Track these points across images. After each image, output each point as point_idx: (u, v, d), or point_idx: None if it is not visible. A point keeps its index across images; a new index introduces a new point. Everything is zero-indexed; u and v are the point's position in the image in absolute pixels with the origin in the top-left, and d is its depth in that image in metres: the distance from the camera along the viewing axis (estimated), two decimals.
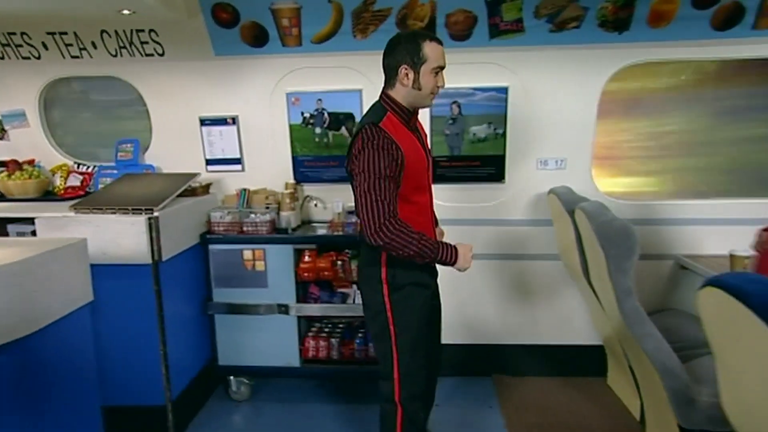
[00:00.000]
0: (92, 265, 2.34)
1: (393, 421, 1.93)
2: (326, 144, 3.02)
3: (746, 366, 1.17)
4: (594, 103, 2.82)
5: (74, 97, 3.38)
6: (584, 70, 2.78)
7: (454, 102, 2.87)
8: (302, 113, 2.97)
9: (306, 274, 2.88)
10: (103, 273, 2.41)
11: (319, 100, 2.94)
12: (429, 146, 2.04)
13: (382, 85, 1.89)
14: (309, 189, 3.14)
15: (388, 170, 1.71)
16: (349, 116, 2.96)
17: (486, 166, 2.97)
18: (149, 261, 2.42)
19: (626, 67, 2.78)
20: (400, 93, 1.83)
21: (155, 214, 2.43)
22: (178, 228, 2.64)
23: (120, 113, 3.37)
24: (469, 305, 3.09)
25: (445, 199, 3.05)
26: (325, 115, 2.96)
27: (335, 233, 2.89)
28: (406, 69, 1.78)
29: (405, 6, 2.65)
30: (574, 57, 2.76)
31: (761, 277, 1.10)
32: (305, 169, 3.08)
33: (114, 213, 2.42)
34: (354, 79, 2.90)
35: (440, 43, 1.82)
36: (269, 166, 3.08)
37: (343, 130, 2.98)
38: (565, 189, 2.72)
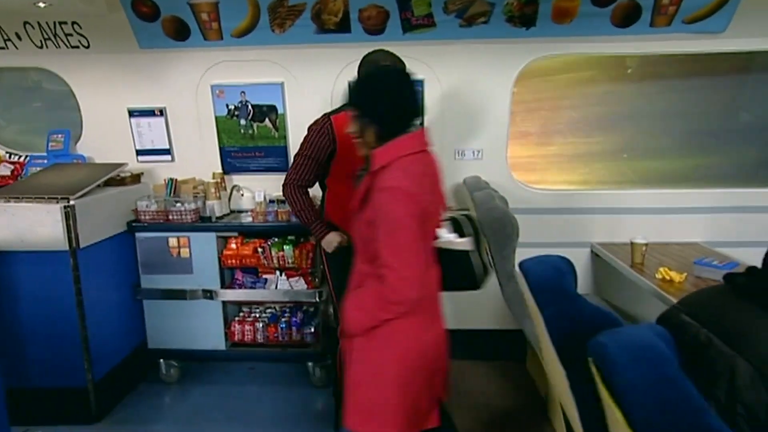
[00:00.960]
0: (11, 252, 2.43)
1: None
2: (252, 135, 3.09)
3: None
4: (507, 95, 2.91)
5: (26, 86, 3.40)
6: (496, 63, 2.87)
7: None
8: (227, 105, 3.03)
9: (230, 261, 2.97)
10: (22, 259, 2.50)
11: (243, 92, 3.01)
12: None
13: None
14: (237, 179, 3.21)
15: (311, 151, 2.19)
16: (272, 108, 3.03)
17: None
18: (66, 248, 2.49)
19: (535, 60, 2.86)
20: None
21: (71, 202, 2.49)
22: (100, 216, 2.71)
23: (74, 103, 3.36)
24: None
25: None
26: (249, 107, 3.03)
27: (257, 222, 2.95)
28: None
29: (319, 1, 2.72)
30: (486, 51, 2.84)
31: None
32: (233, 160, 3.15)
33: (30, 201, 2.48)
34: (276, 72, 2.97)
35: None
36: (198, 156, 3.15)
37: (267, 121, 3.05)
38: (474, 179, 2.82)
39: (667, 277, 2.44)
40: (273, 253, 2.93)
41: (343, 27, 2.79)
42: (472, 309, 3.09)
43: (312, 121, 2.22)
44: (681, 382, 0.91)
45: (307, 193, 2.29)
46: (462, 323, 3.14)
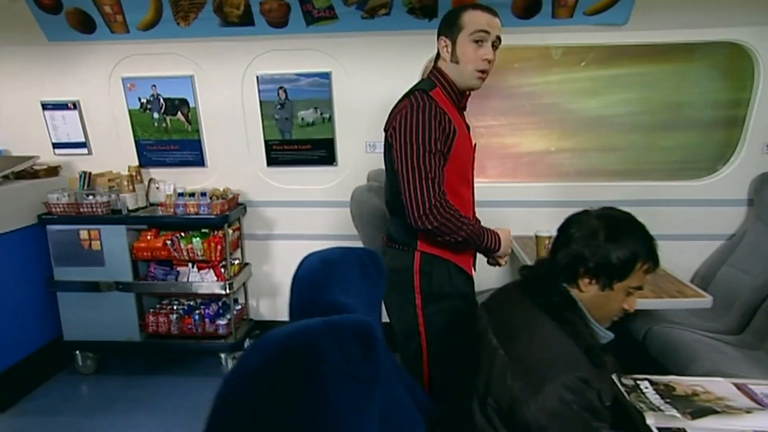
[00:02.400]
0: None
1: None
2: (165, 129, 3.08)
3: None
4: None
5: None
6: (401, 55, 2.84)
7: (281, 87, 2.92)
8: (139, 99, 3.01)
9: (143, 254, 2.96)
10: None
11: (154, 85, 2.99)
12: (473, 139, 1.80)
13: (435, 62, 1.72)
14: (155, 172, 3.19)
15: (438, 143, 1.50)
16: (184, 102, 3.01)
17: (317, 150, 3.03)
18: None
19: None
20: (445, 67, 1.63)
21: None
22: (3, 208, 2.70)
23: None
24: None
25: (283, 181, 3.13)
26: (161, 100, 3.01)
27: (166, 214, 2.94)
28: (444, 41, 1.61)
29: None
30: (390, 43, 2.81)
31: None
32: (149, 153, 3.14)
33: None
34: (185, 65, 2.95)
35: (490, 11, 1.58)
36: (115, 149, 3.14)
37: (180, 115, 3.03)
38: (377, 171, 2.79)
39: None
40: (182, 245, 2.93)
41: (246, 20, 2.76)
42: None
43: (403, 110, 1.55)
44: None
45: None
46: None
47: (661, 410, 1.30)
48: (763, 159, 2.87)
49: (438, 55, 1.67)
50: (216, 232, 2.99)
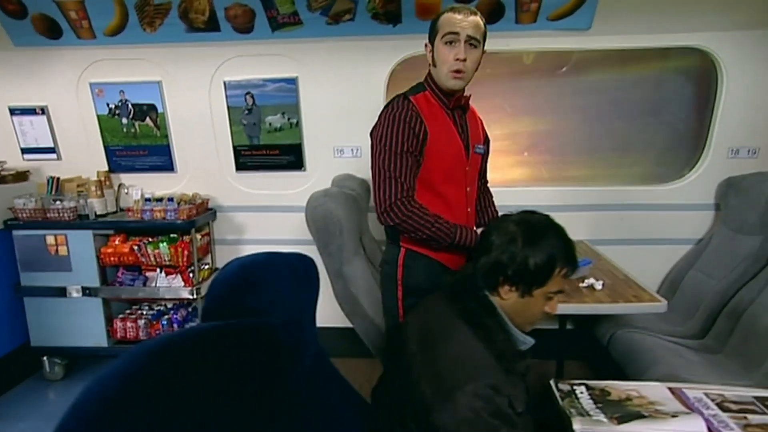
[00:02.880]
0: None
1: None
2: (134, 134, 3.07)
3: None
4: (381, 93, 2.88)
5: None
6: (367, 61, 2.84)
7: (248, 93, 2.92)
8: (108, 104, 3.01)
9: (110, 259, 2.96)
10: None
11: (122, 91, 2.99)
12: (482, 137, 1.88)
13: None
14: (126, 177, 3.19)
15: (406, 144, 1.56)
16: (152, 107, 3.01)
17: (285, 155, 3.04)
18: None
19: (407, 58, 2.83)
20: (432, 71, 1.70)
21: None
22: None
23: None
24: None
25: (252, 186, 3.13)
26: (129, 106, 3.01)
27: (133, 219, 2.93)
28: (428, 45, 1.68)
29: (183, 0, 2.68)
30: (356, 48, 2.82)
31: None
32: (118, 159, 3.14)
33: None
34: (152, 71, 2.95)
35: (463, 11, 1.59)
36: (84, 155, 3.14)
37: (148, 120, 3.03)
38: (342, 177, 2.79)
39: None
40: (149, 250, 2.92)
41: (212, 26, 2.76)
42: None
43: (385, 111, 1.64)
44: None
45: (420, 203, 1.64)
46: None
47: (589, 415, 1.30)
48: (728, 163, 2.88)
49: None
50: (184, 238, 2.98)
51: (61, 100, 3.05)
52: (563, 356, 2.67)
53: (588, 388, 1.45)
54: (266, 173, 3.09)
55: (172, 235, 3.03)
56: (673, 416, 1.28)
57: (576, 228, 3.04)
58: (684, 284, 2.90)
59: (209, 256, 3.24)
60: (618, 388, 1.45)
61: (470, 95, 1.78)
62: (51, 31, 2.84)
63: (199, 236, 3.07)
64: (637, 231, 3.05)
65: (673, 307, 2.91)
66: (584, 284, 2.25)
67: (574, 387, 1.46)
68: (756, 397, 1.39)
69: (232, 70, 2.92)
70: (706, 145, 2.93)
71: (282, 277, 1.26)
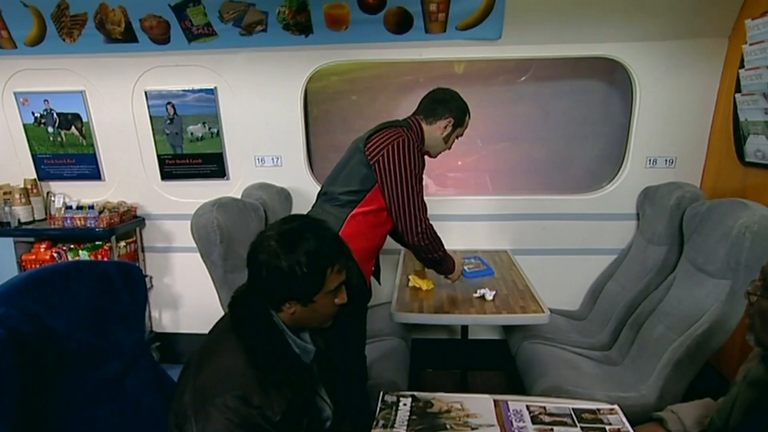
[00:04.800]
0: None
1: None
2: (61, 143, 3.10)
3: None
4: (297, 103, 2.89)
5: None
6: (282, 71, 2.87)
7: (169, 102, 2.95)
8: (33, 113, 3.05)
9: (31, 266, 2.98)
10: None
11: (46, 100, 3.02)
12: None
13: (422, 115, 2.02)
14: (55, 185, 3.22)
15: (421, 173, 1.86)
16: (77, 116, 3.05)
17: (208, 164, 3.06)
18: None
19: (321, 67, 2.85)
20: (431, 132, 2.00)
21: None
22: None
23: None
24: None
25: (177, 195, 3.15)
26: (55, 115, 3.04)
27: (54, 227, 2.96)
28: (449, 122, 1.99)
29: (98, 11, 2.72)
30: (271, 59, 2.85)
31: None
32: (47, 167, 3.17)
33: None
34: (75, 80, 2.99)
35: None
36: (12, 163, 3.18)
37: (74, 129, 3.06)
38: (258, 185, 2.81)
39: (416, 285, 2.41)
40: (69, 258, 2.94)
41: (129, 37, 2.80)
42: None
43: (400, 142, 1.80)
44: None
45: None
46: None
47: (393, 428, 1.29)
48: (646, 173, 2.87)
49: (424, 112, 2.01)
50: (106, 245, 3.00)
51: None
52: (467, 366, 2.65)
53: (414, 399, 1.45)
54: (191, 182, 3.12)
55: (97, 243, 3.05)
56: (473, 429, 1.26)
57: (499, 238, 3.04)
58: (602, 295, 2.89)
59: (137, 263, 3.25)
60: (443, 400, 1.44)
61: None
62: None
63: (124, 243, 3.09)
64: (561, 241, 3.04)
65: (592, 318, 2.90)
66: (477, 294, 2.23)
67: (401, 398, 1.45)
68: (574, 410, 1.37)
69: (152, 81, 2.95)
70: (625, 155, 2.91)
71: (81, 286, 1.27)
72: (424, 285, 2.38)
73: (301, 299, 1.16)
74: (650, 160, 2.86)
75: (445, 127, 2.00)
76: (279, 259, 1.10)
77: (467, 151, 3.29)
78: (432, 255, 1.94)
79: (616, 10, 2.58)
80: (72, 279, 1.26)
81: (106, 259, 2.95)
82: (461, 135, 2.08)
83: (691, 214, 2.35)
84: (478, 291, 2.25)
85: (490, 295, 2.22)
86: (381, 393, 1.47)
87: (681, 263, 2.39)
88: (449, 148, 2.09)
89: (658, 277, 2.49)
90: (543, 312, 2.07)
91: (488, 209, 3.02)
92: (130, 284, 1.39)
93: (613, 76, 2.98)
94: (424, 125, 2.00)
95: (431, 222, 1.92)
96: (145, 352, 1.46)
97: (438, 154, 2.08)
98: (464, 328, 2.46)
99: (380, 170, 1.82)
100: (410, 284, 2.43)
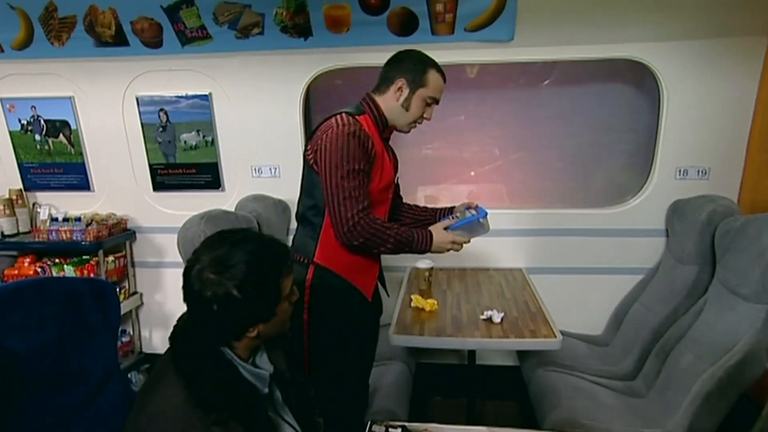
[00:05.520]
0: None
1: None
2: (48, 151, 3.15)
3: None
4: (297, 109, 2.90)
5: None
6: (282, 76, 2.87)
7: (161, 109, 2.98)
8: (20, 120, 3.10)
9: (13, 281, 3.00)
10: None
11: (33, 106, 3.07)
12: (398, 170, 1.98)
13: (373, 90, 1.84)
14: (42, 196, 3.26)
15: (361, 162, 1.64)
16: (65, 123, 3.08)
17: (202, 174, 3.07)
18: None
19: (322, 71, 2.85)
20: (387, 103, 1.80)
21: None
22: None
23: None
24: None
25: (170, 207, 3.16)
26: (42, 122, 3.09)
27: (38, 240, 2.99)
28: (402, 83, 1.77)
29: (88, 13, 2.77)
30: (268, 63, 2.85)
31: None
32: (33, 176, 3.21)
33: None
34: (64, 85, 3.02)
35: (444, 78, 1.81)
36: None
37: (62, 137, 3.11)
38: (253, 197, 2.81)
39: (419, 305, 2.38)
40: (54, 273, 2.96)
41: (120, 40, 2.83)
42: None
43: (329, 130, 1.66)
44: None
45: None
46: None
47: None
48: (676, 185, 2.79)
49: (378, 87, 1.82)
50: (93, 260, 3.02)
51: None
52: (477, 395, 2.59)
53: (405, 430, 1.41)
54: (184, 193, 3.13)
55: (84, 257, 3.07)
56: None
57: (513, 255, 2.99)
58: (627, 319, 2.80)
59: (127, 279, 3.27)
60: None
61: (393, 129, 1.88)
62: None
63: (112, 258, 3.11)
64: (582, 259, 2.97)
65: (615, 344, 2.82)
66: (483, 317, 2.19)
67: (390, 429, 1.42)
68: None
69: (144, 86, 2.98)
70: (652, 166, 2.85)
71: (46, 305, 1.27)
72: (427, 306, 2.34)
73: (263, 317, 1.13)
74: (681, 170, 2.79)
75: (399, 90, 1.76)
76: (225, 287, 1.04)
77: (481, 161, 3.27)
78: (379, 249, 1.71)
79: (639, 7, 2.53)
80: (35, 297, 1.26)
81: (92, 274, 2.96)
82: (435, 99, 1.80)
83: (723, 231, 2.28)
84: (485, 313, 2.20)
85: (497, 318, 2.16)
86: (369, 423, 1.44)
87: (713, 285, 2.31)
88: (426, 118, 1.83)
89: (688, 300, 2.41)
90: (555, 337, 2.01)
91: (502, 224, 2.97)
92: (102, 303, 1.38)
93: (643, 80, 2.93)
94: (378, 99, 1.80)
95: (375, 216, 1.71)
96: (115, 375, 1.45)
97: (409, 126, 1.83)
98: (471, 353, 2.40)
99: (318, 171, 1.68)
100: (413, 304, 2.39)
